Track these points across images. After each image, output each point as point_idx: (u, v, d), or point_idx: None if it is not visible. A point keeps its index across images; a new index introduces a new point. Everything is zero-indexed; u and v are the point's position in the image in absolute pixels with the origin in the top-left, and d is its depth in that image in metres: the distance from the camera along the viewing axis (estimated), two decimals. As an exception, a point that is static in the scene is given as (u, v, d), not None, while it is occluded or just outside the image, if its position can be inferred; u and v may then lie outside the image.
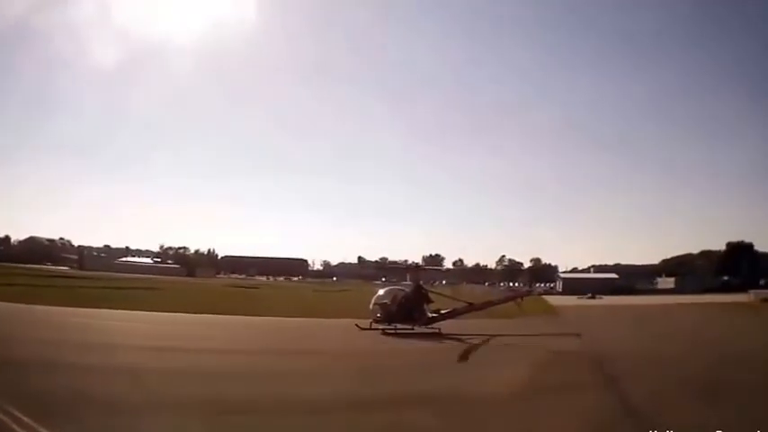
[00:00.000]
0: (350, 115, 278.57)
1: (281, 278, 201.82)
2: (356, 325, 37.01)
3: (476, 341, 31.26)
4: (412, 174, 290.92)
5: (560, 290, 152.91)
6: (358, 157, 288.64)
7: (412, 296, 37.01)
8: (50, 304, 42.78)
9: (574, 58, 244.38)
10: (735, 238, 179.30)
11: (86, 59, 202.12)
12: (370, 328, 35.98)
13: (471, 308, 39.84)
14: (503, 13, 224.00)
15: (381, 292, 38.45)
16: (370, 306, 37.37)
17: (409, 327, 35.84)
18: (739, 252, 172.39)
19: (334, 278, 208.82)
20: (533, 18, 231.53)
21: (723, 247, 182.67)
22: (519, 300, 43.12)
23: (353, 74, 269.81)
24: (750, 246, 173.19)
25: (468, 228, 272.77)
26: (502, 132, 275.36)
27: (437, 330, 35.86)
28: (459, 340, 31.70)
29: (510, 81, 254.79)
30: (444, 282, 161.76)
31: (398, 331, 35.30)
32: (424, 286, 39.41)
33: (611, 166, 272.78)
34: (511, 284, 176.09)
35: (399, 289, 39.25)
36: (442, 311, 38.02)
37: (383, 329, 35.65)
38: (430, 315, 37.11)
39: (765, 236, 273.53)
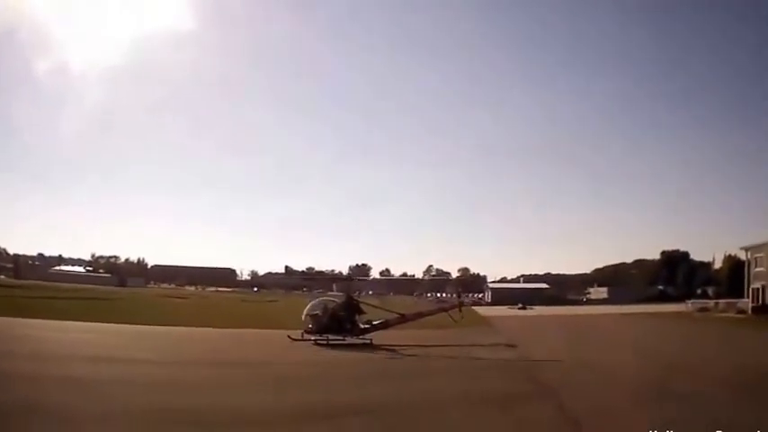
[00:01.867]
0: (277, 128, 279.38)
1: (211, 288, 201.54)
2: (288, 336, 38.05)
3: (408, 352, 32.58)
4: (339, 184, 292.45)
5: (489, 300, 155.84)
6: (286, 168, 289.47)
7: (343, 307, 38.19)
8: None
9: (506, 65, 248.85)
10: (670, 248, 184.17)
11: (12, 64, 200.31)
12: (302, 339, 37.14)
13: (403, 319, 41.18)
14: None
15: (313, 302, 39.64)
16: (302, 317, 38.52)
17: (341, 338, 37.13)
18: (675, 261, 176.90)
19: (257, 288, 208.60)
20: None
21: (658, 257, 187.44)
22: (452, 310, 44.83)
23: (275, 86, 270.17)
24: (686, 255, 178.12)
25: (395, 238, 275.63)
26: (430, 143, 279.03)
27: (369, 341, 37.22)
28: (392, 351, 32.90)
29: (440, 92, 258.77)
30: (371, 292, 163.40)
31: (330, 342, 36.58)
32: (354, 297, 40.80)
33: (542, 174, 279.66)
34: (439, 295, 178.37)
35: (330, 300, 40.33)
36: (374, 322, 39.30)
37: (315, 340, 36.83)
38: (362, 326, 38.46)
39: (700, 245, 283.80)
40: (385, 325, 39.51)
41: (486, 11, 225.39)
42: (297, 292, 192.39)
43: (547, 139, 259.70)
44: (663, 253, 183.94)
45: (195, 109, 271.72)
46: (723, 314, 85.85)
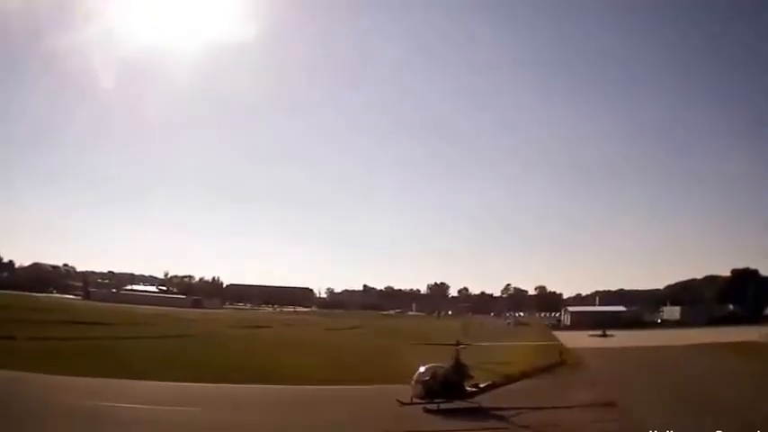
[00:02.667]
0: (349, 148, 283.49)
1: (290, 308, 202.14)
2: (397, 400, 39.53)
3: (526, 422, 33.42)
4: (413, 202, 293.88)
5: (568, 323, 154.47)
6: (359, 185, 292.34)
7: (452, 372, 39.60)
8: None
9: (578, 85, 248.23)
10: (740, 263, 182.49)
11: (87, 86, 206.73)
12: (412, 403, 38.56)
13: (509, 381, 42.51)
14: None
15: (422, 369, 40.96)
16: (412, 383, 39.87)
17: (449, 401, 38.45)
18: (744, 279, 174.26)
19: (341, 309, 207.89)
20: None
21: (728, 272, 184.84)
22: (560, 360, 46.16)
23: (344, 104, 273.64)
24: (755, 272, 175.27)
25: (472, 256, 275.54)
26: (501, 159, 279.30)
27: (476, 405, 38.46)
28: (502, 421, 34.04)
29: (511, 109, 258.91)
30: (450, 312, 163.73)
31: (440, 408, 37.89)
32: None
33: (614, 188, 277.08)
34: (517, 314, 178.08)
35: (439, 366, 41.75)
36: (481, 386, 40.67)
37: (424, 405, 38.21)
38: (470, 390, 39.77)
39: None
40: (491, 387, 40.85)
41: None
42: (373, 312, 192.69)
43: (619, 154, 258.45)
44: (733, 271, 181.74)
45: (270, 126, 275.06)
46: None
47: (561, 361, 48.38)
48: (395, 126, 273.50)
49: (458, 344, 41.19)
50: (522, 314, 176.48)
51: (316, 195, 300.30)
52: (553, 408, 37.79)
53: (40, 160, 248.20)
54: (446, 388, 39.03)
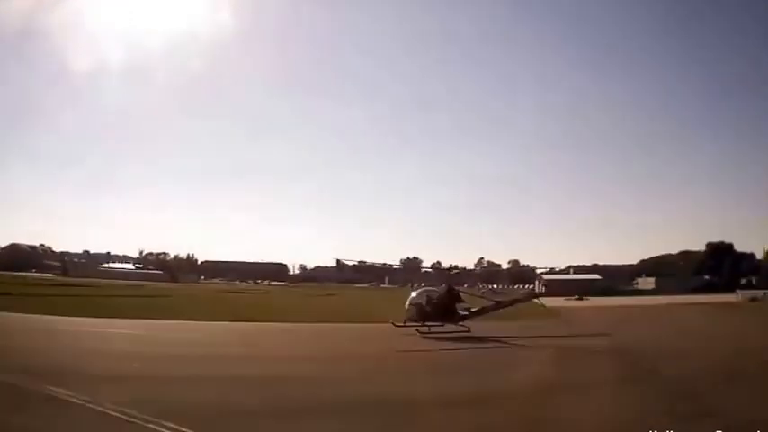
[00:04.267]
0: (324, 121, 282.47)
1: (265, 282, 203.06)
2: (392, 323, 39.95)
3: (523, 343, 34.91)
4: (385, 177, 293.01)
5: (542, 291, 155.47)
6: (333, 162, 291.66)
7: (444, 296, 40.00)
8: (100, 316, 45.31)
9: (557, 59, 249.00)
10: (714, 239, 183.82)
11: (68, 66, 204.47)
12: (405, 326, 38.94)
13: (499, 305, 43.17)
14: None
15: (415, 293, 41.52)
16: (405, 306, 40.21)
17: (440, 324, 38.78)
18: (720, 252, 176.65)
19: (315, 283, 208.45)
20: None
21: (702, 248, 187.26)
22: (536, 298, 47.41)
23: (327, 81, 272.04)
24: (730, 246, 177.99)
25: (444, 230, 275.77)
26: (476, 132, 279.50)
27: (467, 329, 38.84)
28: (503, 343, 34.67)
29: (489, 83, 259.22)
30: (423, 284, 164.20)
31: (431, 331, 38.26)
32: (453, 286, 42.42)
33: (588, 165, 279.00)
34: (490, 286, 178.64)
35: (432, 290, 42.16)
36: (472, 309, 41.13)
37: (417, 327, 38.52)
38: (461, 313, 40.13)
39: (745, 236, 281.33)
40: (482, 311, 41.31)
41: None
42: (348, 285, 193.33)
43: (592, 130, 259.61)
44: (708, 245, 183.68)
45: (240, 106, 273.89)
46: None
47: (535, 294, 50.84)
48: (369, 98, 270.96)
49: (450, 269, 41.53)
50: (495, 286, 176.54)
51: (289, 171, 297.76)
52: (549, 336, 39.08)
53: (17, 141, 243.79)
54: (438, 311, 39.45)
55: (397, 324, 40.17)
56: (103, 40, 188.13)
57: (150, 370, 22.36)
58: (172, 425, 13.55)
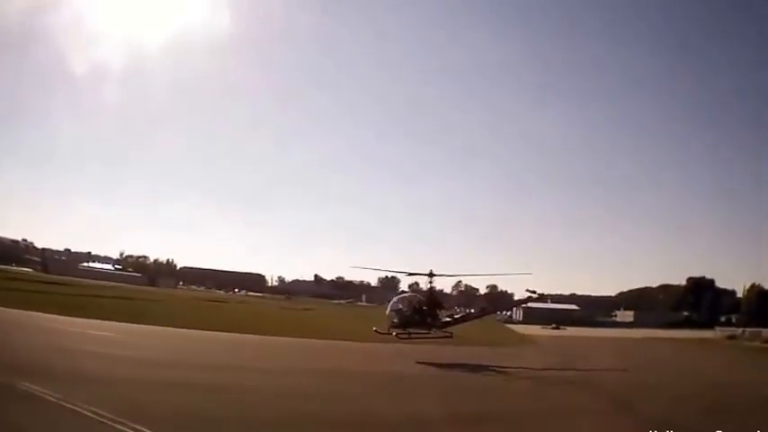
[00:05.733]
0: (307, 139, 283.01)
1: (242, 292, 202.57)
2: (375, 330, 40.20)
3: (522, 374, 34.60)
4: (368, 199, 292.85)
5: (521, 318, 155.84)
6: (316, 180, 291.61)
7: (426, 302, 40.23)
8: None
9: (542, 95, 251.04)
10: (696, 274, 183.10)
11: (48, 64, 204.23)
12: (387, 333, 39.11)
13: (483, 312, 43.81)
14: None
15: (396, 298, 41.66)
16: (386, 311, 40.41)
17: (424, 331, 38.99)
18: (701, 288, 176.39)
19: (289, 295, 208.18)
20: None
21: (683, 282, 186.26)
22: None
23: (313, 101, 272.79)
24: (711, 282, 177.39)
25: (422, 254, 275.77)
26: (458, 163, 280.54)
27: (449, 335, 39.15)
28: (504, 373, 34.17)
29: (477, 113, 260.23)
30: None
31: (412, 336, 38.50)
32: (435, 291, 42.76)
33: (569, 198, 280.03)
34: (467, 310, 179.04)
35: (413, 295, 42.49)
36: (456, 316, 41.53)
37: (397, 334, 38.75)
38: (444, 320, 40.44)
39: (727, 272, 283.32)
40: (465, 318, 41.72)
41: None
42: (326, 300, 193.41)
43: (575, 162, 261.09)
44: (689, 279, 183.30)
45: (226, 118, 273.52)
46: (750, 342, 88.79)
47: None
48: (351, 120, 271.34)
49: (431, 274, 41.49)
50: (472, 310, 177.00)
51: (271, 185, 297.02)
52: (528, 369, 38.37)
53: (4, 138, 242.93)
54: (420, 316, 39.64)
55: (380, 331, 40.38)
56: (89, 40, 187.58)
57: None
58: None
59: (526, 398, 26.59)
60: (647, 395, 27.41)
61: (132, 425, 14.29)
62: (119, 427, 14.16)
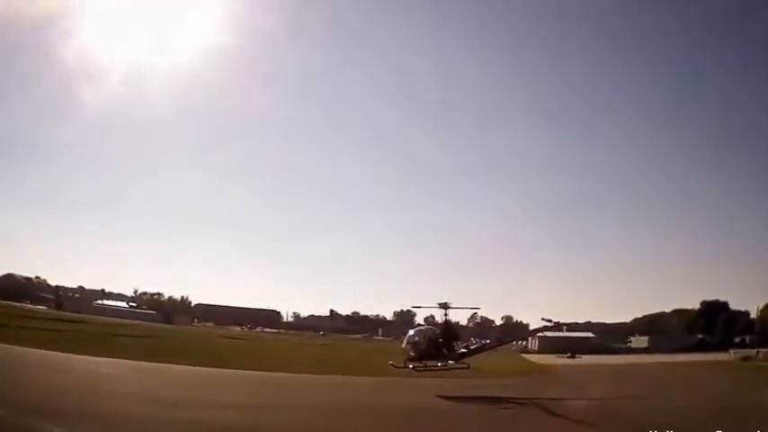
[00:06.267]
0: (321, 173, 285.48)
1: (258, 328, 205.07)
2: (391, 364, 41.20)
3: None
4: (380, 231, 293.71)
5: (536, 348, 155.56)
6: (330, 218, 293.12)
7: (442, 334, 41.25)
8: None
9: (549, 119, 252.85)
10: (709, 297, 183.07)
11: (67, 100, 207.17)
12: (404, 366, 40.12)
13: (499, 342, 44.79)
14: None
15: (412, 331, 42.60)
16: (403, 345, 41.45)
17: (441, 363, 39.99)
18: (714, 310, 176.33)
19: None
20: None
21: (697, 306, 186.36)
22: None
23: (327, 129, 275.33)
24: (725, 304, 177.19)
25: (438, 286, 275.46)
26: (470, 186, 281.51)
27: (466, 366, 40.16)
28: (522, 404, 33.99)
29: (481, 135, 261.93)
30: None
31: (428, 368, 39.51)
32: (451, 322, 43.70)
33: (581, 223, 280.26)
34: (483, 341, 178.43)
35: (429, 328, 43.42)
36: (471, 347, 42.53)
37: (414, 367, 39.75)
38: (460, 351, 41.45)
39: (741, 294, 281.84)
40: (482, 349, 42.73)
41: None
42: (342, 335, 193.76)
43: (588, 186, 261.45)
44: (702, 303, 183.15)
45: (238, 150, 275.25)
46: (765, 363, 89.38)
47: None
48: (361, 153, 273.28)
49: (445, 306, 42.38)
50: (488, 341, 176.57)
51: (285, 220, 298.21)
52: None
53: (16, 173, 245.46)
54: (436, 349, 40.59)
55: (396, 365, 41.35)
56: (98, 72, 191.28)
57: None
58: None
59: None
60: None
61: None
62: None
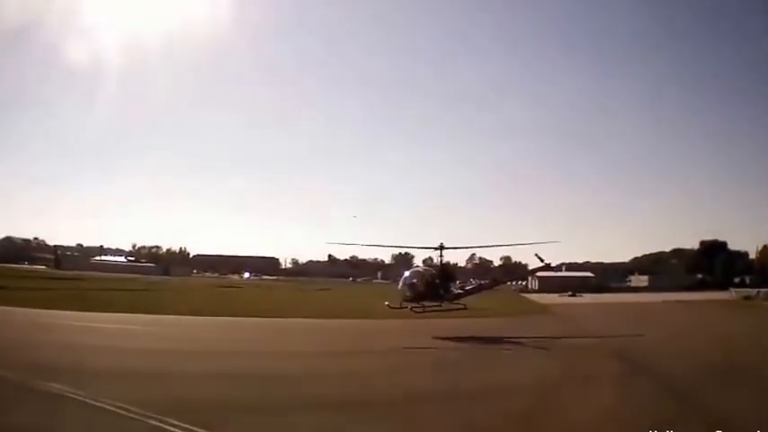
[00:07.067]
0: (319, 114, 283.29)
1: (256, 276, 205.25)
2: (387, 305, 39.98)
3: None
4: (376, 173, 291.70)
5: (536, 287, 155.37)
6: (327, 157, 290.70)
7: (438, 275, 40.00)
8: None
9: (555, 55, 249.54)
10: (708, 237, 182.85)
11: (61, 60, 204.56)
12: (400, 307, 38.89)
13: (495, 282, 43.67)
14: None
15: (408, 273, 41.33)
16: (399, 286, 40.21)
17: (437, 304, 38.80)
18: (713, 250, 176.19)
19: (307, 277, 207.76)
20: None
21: (696, 246, 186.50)
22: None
23: (326, 74, 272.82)
24: (724, 244, 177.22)
25: (434, 226, 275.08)
26: (466, 125, 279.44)
27: (463, 306, 38.98)
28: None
29: (485, 71, 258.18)
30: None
31: (426, 309, 38.31)
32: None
33: (580, 163, 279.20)
34: (482, 281, 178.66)
35: (426, 269, 42.19)
36: (467, 288, 41.41)
37: (411, 308, 38.53)
38: (456, 291, 40.27)
39: (739, 234, 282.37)
40: (478, 289, 41.54)
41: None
42: (341, 279, 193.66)
43: (585, 124, 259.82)
44: (701, 243, 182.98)
45: (234, 101, 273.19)
46: (766, 302, 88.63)
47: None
48: (365, 91, 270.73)
49: (441, 247, 41.14)
50: (484, 282, 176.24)
51: (282, 165, 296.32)
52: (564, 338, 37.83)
53: (11, 135, 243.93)
54: (433, 289, 39.42)
55: (392, 306, 40.21)
56: (96, 34, 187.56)
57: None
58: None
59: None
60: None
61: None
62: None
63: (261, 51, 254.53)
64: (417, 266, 45.53)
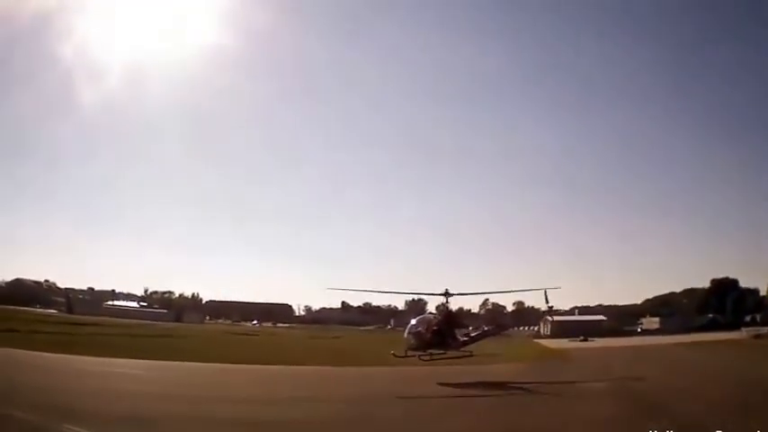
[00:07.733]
0: (323, 166, 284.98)
1: (268, 324, 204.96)
2: (393, 354, 40.35)
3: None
4: (388, 221, 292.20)
5: (548, 333, 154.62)
6: (335, 206, 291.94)
7: (444, 322, 40.46)
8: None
9: (554, 107, 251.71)
10: (719, 275, 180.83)
11: (71, 99, 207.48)
12: (406, 356, 39.28)
13: (498, 329, 43.94)
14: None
15: (414, 320, 41.65)
16: (405, 335, 40.58)
17: (442, 351, 39.23)
18: (724, 289, 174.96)
19: (320, 325, 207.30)
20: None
21: (707, 285, 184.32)
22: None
23: (338, 127, 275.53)
24: (735, 282, 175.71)
25: (450, 274, 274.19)
26: (477, 172, 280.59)
27: (469, 353, 39.37)
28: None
29: (493, 126, 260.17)
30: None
31: (434, 357, 38.76)
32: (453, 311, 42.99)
33: (590, 206, 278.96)
34: (485, 329, 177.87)
35: (431, 316, 42.65)
36: (473, 334, 41.73)
37: (419, 356, 38.97)
38: (462, 339, 40.69)
39: (750, 272, 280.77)
40: (484, 335, 41.91)
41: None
42: (353, 327, 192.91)
43: (597, 173, 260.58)
44: (712, 281, 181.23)
45: (246, 147, 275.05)
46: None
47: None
48: (367, 141, 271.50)
49: (446, 294, 41.58)
50: (488, 328, 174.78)
51: (293, 213, 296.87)
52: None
53: (22, 177, 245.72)
54: (438, 337, 39.78)
55: (397, 355, 40.51)
56: (109, 80, 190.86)
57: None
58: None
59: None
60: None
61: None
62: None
63: (268, 105, 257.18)
64: (424, 314, 45.98)
